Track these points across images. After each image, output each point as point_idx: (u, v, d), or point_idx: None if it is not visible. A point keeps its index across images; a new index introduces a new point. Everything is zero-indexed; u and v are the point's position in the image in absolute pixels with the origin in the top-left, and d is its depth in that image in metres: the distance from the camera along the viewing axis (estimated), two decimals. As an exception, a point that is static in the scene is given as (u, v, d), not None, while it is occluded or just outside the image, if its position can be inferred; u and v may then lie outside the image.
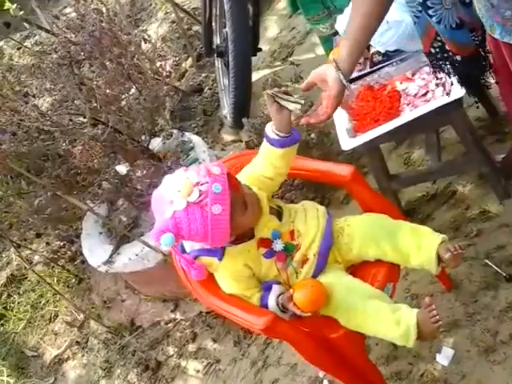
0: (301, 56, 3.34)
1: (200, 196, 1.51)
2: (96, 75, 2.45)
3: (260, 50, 3.35)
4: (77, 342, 2.89)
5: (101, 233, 2.65)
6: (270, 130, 1.65)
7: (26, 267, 3.20)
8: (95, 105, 2.40)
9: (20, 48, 4.24)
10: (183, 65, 3.76)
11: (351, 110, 2.08)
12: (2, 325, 3.20)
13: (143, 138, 2.59)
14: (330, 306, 1.65)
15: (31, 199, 2.49)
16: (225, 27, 3.08)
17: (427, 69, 2.01)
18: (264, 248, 1.68)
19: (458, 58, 1.59)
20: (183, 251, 1.70)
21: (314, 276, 1.71)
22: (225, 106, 3.26)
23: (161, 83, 2.80)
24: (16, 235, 2.88)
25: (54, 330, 3.02)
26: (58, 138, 2.36)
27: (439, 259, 1.67)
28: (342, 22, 2.13)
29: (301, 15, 2.88)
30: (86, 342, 2.87)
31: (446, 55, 1.59)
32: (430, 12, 1.47)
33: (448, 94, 1.84)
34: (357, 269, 1.79)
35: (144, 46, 2.99)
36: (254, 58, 3.21)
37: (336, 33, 2.27)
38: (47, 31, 3.10)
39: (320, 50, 2.99)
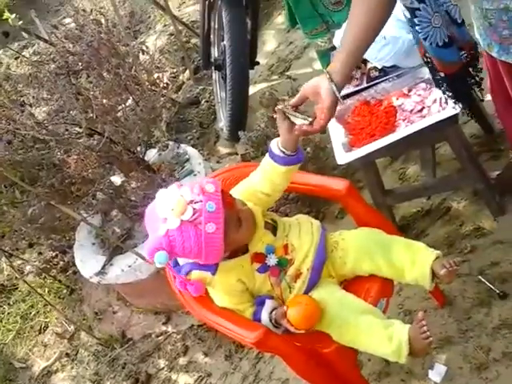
0: (298, 70, 3.35)
1: (194, 215, 1.50)
2: (93, 85, 2.45)
3: (257, 63, 3.37)
4: (66, 353, 2.86)
5: (94, 243, 2.64)
6: (276, 146, 1.62)
7: (17, 277, 3.17)
8: (91, 115, 2.40)
9: (18, 57, 4.24)
10: (180, 77, 3.78)
11: (347, 125, 2.08)
12: (-9, 335, 3.17)
13: (139, 149, 2.59)
14: (323, 321, 1.64)
15: (25, 208, 2.47)
16: (223, 40, 3.10)
17: (423, 85, 2.02)
18: (258, 263, 1.67)
19: (442, 74, 1.60)
20: (176, 264, 1.69)
21: (307, 290, 1.70)
22: (221, 119, 3.26)
23: (158, 95, 2.81)
24: (8, 244, 2.86)
25: (43, 342, 2.99)
26: (54, 147, 2.35)
27: (433, 275, 1.66)
28: (340, 37, 2.13)
29: (299, 30, 2.89)
30: (76, 354, 2.84)
31: (434, 69, 1.61)
32: (418, 29, 1.47)
33: (443, 109, 1.85)
34: (350, 283, 1.77)
35: (142, 57, 2.99)
36: (251, 72, 3.22)
37: (334, 48, 2.27)
38: (45, 41, 3.11)
39: (317, 65, 3.00)
